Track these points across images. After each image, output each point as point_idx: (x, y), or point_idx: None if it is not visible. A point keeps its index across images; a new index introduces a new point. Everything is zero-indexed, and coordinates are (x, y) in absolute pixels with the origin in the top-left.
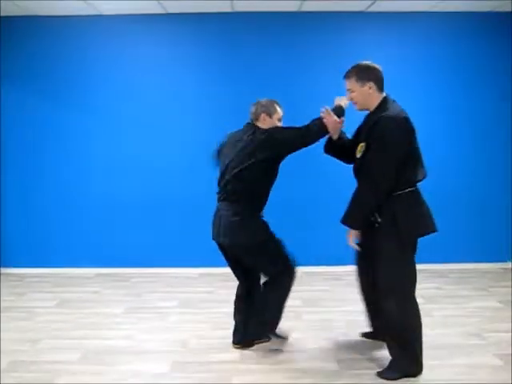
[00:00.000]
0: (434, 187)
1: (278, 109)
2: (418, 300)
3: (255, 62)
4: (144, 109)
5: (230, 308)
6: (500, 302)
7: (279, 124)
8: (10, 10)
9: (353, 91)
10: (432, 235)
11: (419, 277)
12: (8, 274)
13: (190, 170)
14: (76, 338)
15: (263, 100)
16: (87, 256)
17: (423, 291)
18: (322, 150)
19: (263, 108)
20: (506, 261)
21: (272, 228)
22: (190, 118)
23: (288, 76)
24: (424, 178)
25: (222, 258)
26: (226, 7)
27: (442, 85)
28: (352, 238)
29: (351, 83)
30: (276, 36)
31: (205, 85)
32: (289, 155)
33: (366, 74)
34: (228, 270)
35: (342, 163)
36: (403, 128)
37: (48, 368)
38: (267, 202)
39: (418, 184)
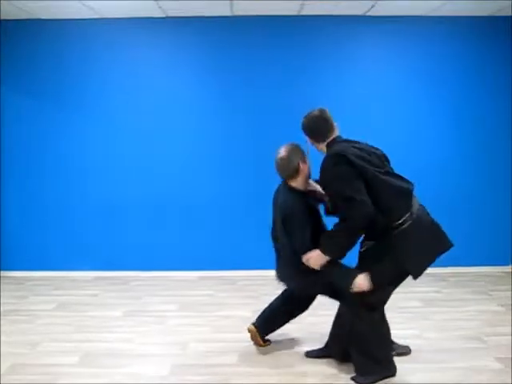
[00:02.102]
0: (434, 190)
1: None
2: (418, 303)
3: (255, 65)
4: (144, 111)
5: (229, 311)
6: (500, 305)
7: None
8: (11, 13)
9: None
10: None
11: (419, 279)
12: (8, 278)
13: (189, 173)
14: (76, 341)
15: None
16: (87, 259)
17: (423, 295)
18: None
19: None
20: (506, 264)
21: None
22: (190, 121)
23: (288, 79)
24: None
25: (221, 261)
26: (225, 11)
27: (442, 88)
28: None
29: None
30: (276, 40)
31: (204, 88)
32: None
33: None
34: (226, 273)
35: None
36: (340, 161)
37: (48, 371)
38: None
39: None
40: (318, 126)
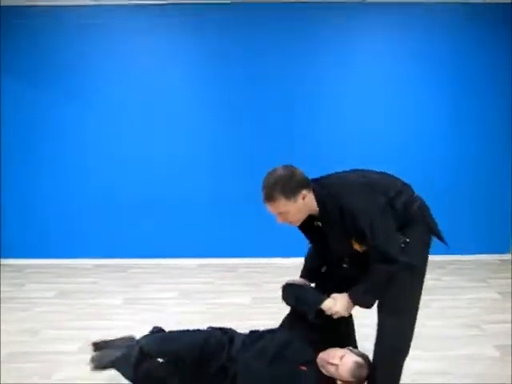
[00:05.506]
0: (434, 179)
1: None
2: None
3: (254, 52)
4: (143, 100)
5: (229, 298)
6: (499, 293)
7: None
8: None
9: (287, 212)
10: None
11: None
12: (7, 265)
13: (188, 161)
14: (75, 329)
15: None
16: (86, 247)
17: None
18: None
19: None
20: (505, 252)
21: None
22: (190, 110)
23: (287, 66)
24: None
25: (221, 249)
26: None
27: (442, 76)
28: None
29: (281, 205)
30: (274, 26)
31: (204, 76)
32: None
33: (292, 184)
34: (226, 261)
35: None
36: (363, 188)
37: (48, 358)
38: None
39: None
40: (291, 172)
